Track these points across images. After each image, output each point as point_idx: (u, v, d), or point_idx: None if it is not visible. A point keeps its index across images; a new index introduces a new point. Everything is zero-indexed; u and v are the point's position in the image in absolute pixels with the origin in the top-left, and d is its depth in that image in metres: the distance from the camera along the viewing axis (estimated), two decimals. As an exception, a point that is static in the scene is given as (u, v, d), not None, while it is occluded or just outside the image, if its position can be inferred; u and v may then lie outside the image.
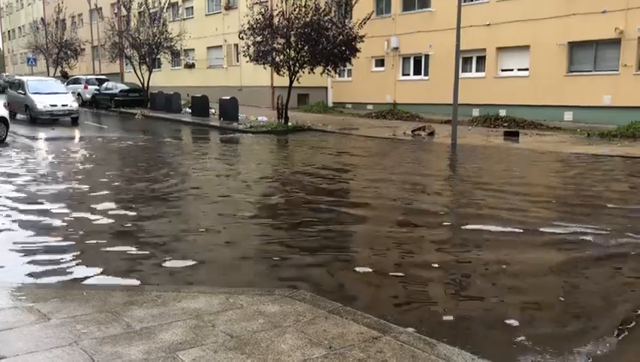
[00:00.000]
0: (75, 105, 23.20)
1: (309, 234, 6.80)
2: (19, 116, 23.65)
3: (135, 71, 31.35)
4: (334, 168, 12.52)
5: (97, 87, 33.21)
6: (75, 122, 23.31)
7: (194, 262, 5.72)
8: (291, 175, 11.47)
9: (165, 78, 37.43)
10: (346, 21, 21.86)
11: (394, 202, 8.97)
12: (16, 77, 27.42)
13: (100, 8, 46.56)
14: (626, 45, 19.61)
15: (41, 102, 22.28)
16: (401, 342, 3.52)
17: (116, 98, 30.64)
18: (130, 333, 3.65)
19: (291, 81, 21.84)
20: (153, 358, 3.29)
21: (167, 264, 5.67)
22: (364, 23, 21.19)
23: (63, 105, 22.75)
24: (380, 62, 28.63)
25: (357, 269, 5.58)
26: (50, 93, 22.96)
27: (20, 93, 23.24)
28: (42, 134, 19.47)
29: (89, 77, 37.56)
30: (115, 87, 32.14)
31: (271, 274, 5.45)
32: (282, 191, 9.75)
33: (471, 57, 24.45)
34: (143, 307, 4.11)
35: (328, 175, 11.37)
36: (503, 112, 22.35)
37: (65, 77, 46.11)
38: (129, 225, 7.23)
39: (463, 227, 7.23)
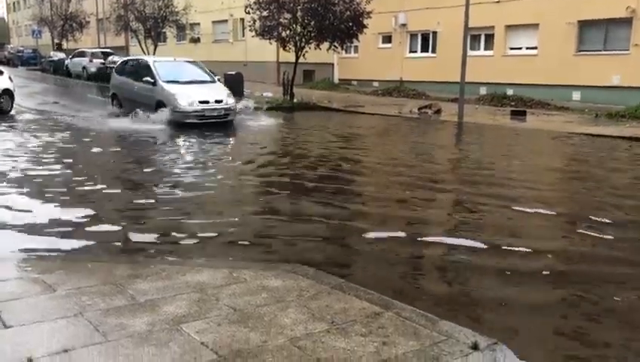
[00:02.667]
0: (231, 100, 15.17)
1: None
2: (144, 126, 14.14)
3: (140, 45, 31.19)
4: (335, 154, 12.49)
5: (102, 61, 33.03)
6: (228, 126, 14.93)
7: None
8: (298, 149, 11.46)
9: (170, 52, 37.08)
10: (354, -4, 21.58)
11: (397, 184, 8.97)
12: (133, 57, 17.66)
13: (106, -20, 46.18)
14: (638, 25, 19.30)
15: (186, 97, 14.31)
16: (403, 318, 3.54)
17: (121, 72, 30.38)
18: (135, 305, 3.68)
19: (297, 57, 21.66)
20: (157, 330, 3.33)
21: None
22: (372, -2, 20.91)
23: (216, 102, 14.75)
24: (387, 39, 28.34)
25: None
26: (190, 83, 15.18)
27: (146, 83, 15.12)
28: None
29: (94, 50, 37.37)
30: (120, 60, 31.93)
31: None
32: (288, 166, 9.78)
33: (479, 35, 24.15)
34: (148, 280, 4.15)
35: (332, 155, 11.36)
36: (510, 91, 22.16)
37: (60, 49, 45.93)
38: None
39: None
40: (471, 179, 9.10)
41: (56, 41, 45.83)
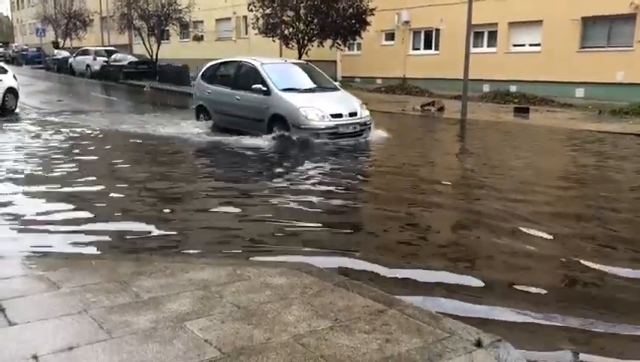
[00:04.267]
0: (366, 112, 12.11)
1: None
2: (247, 141, 11.50)
3: (144, 43, 31.24)
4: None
5: (106, 59, 33.09)
6: (362, 144, 11.73)
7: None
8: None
9: (174, 50, 37.26)
10: (357, -6, 21.56)
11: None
12: (229, 59, 13.71)
13: (109, -22, 46.24)
14: (641, 21, 19.25)
15: (315, 110, 11.25)
16: (406, 315, 3.54)
17: (125, 70, 30.53)
18: (139, 303, 3.69)
19: (300, 54, 21.71)
20: (161, 327, 3.33)
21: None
22: (375, -5, 20.89)
23: (350, 115, 11.65)
24: (390, 36, 28.29)
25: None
26: (311, 91, 12.13)
27: (254, 92, 11.86)
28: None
29: (98, 48, 37.44)
30: (124, 58, 32.01)
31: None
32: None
33: (482, 32, 24.10)
34: (152, 277, 4.16)
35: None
36: (513, 88, 22.10)
37: (56, 47, 46.05)
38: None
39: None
40: (476, 185, 8.47)
41: (52, 39, 45.91)
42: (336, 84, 13.69)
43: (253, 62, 12.59)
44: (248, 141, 11.46)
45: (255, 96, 11.86)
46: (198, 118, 13.84)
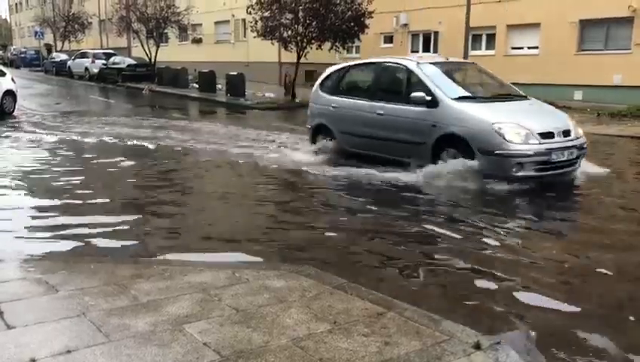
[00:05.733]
0: (580, 130, 8.39)
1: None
2: (401, 176, 8.26)
3: (142, 45, 31.21)
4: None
5: (104, 62, 33.08)
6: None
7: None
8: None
9: (172, 53, 37.20)
10: (355, -4, 21.54)
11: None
12: (363, 61, 11.36)
13: (107, -19, 46.25)
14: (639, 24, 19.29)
15: (512, 128, 7.62)
16: (405, 318, 3.54)
17: (124, 73, 30.52)
18: (137, 306, 3.69)
19: (299, 57, 21.69)
20: (160, 330, 3.33)
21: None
22: (374, -2, 20.87)
23: (564, 134, 7.97)
24: (389, 39, 28.31)
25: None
26: (494, 100, 8.87)
27: (410, 104, 8.54)
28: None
29: (96, 51, 37.43)
30: (122, 61, 32.00)
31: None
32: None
33: (481, 35, 24.11)
34: (150, 280, 4.15)
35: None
36: (512, 91, 22.09)
37: (49, 51, 46.05)
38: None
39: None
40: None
41: (44, 42, 45.91)
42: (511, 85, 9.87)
43: (404, 62, 9.34)
44: (402, 176, 8.20)
45: (411, 110, 8.52)
46: (313, 141, 10.48)
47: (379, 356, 3.06)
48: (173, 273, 4.31)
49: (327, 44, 21.43)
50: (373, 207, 7.03)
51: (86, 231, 5.88)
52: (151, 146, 11.76)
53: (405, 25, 27.05)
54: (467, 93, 8.72)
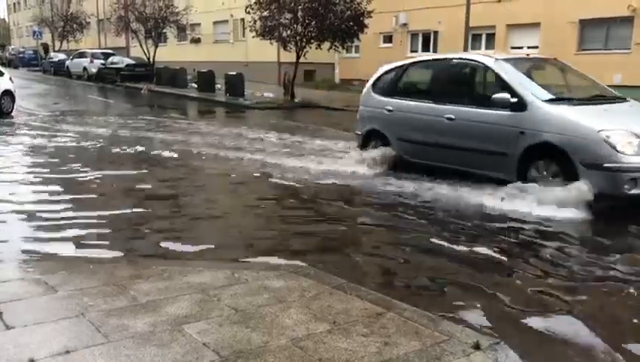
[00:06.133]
0: None
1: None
2: (487, 199, 6.74)
3: (141, 45, 31.23)
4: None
5: (103, 62, 33.07)
6: None
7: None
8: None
9: (171, 52, 37.22)
10: (355, -4, 21.52)
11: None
12: (428, 57, 11.47)
13: (106, -19, 46.22)
14: (639, 23, 19.30)
15: (623, 136, 6.28)
16: (404, 318, 3.53)
17: (122, 72, 30.51)
18: (137, 306, 3.68)
19: (298, 57, 21.69)
20: (159, 331, 3.33)
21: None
22: (373, -2, 20.85)
23: None
24: (388, 39, 28.32)
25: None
26: (585, 102, 7.32)
27: (490, 108, 7.22)
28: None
29: (95, 51, 37.41)
30: (121, 61, 32.00)
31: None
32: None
33: (480, 34, 24.13)
34: (149, 281, 4.15)
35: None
36: (511, 90, 22.08)
37: (46, 50, 46.01)
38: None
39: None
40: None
41: (41, 41, 45.86)
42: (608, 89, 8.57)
43: (480, 58, 8.07)
44: (485, 199, 6.80)
45: (491, 114, 7.27)
46: (364, 147, 9.25)
47: (378, 356, 3.06)
48: (173, 273, 4.30)
49: (327, 44, 21.43)
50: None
51: (86, 231, 5.87)
52: (167, 154, 10.70)
53: (405, 24, 27.06)
54: (559, 95, 7.49)
